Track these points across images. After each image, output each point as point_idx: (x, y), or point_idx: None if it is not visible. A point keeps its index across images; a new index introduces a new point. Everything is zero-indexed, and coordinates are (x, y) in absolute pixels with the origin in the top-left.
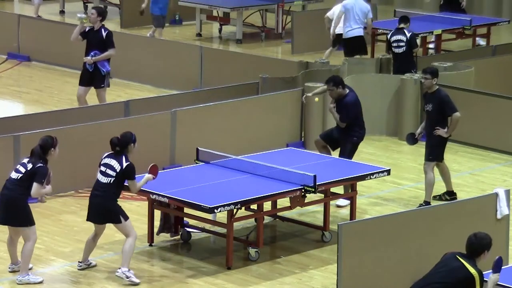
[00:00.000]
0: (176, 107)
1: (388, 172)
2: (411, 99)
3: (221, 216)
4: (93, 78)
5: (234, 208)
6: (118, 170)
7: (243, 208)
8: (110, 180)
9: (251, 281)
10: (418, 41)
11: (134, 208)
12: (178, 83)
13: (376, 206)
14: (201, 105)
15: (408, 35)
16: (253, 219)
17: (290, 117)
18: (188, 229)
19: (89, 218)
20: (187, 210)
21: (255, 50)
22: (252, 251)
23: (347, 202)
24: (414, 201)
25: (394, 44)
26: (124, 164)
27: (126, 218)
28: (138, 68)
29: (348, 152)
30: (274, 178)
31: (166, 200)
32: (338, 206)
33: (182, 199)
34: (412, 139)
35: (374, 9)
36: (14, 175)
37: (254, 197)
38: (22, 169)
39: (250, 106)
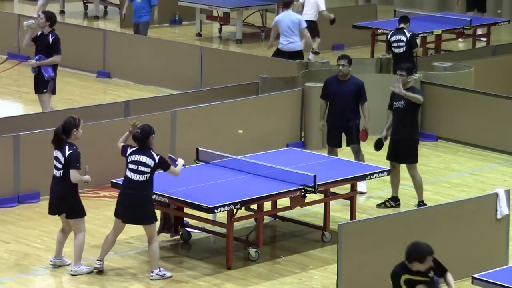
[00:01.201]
0: (176, 107)
1: (388, 172)
2: None
3: (221, 216)
4: (37, 83)
5: (234, 208)
6: (152, 165)
7: (243, 208)
8: (146, 176)
9: (251, 281)
10: (418, 41)
11: None
12: (178, 83)
13: (376, 206)
14: (201, 105)
15: (408, 35)
16: (253, 219)
17: (290, 117)
18: (188, 229)
19: (120, 217)
20: (187, 210)
21: (255, 50)
22: (252, 251)
23: (364, 188)
24: (414, 201)
25: (394, 44)
26: (156, 158)
27: (156, 219)
28: (138, 68)
29: (357, 138)
30: (274, 178)
31: (166, 200)
32: (360, 193)
33: (182, 199)
34: (379, 145)
35: (374, 9)
36: (57, 173)
37: (254, 197)
38: (59, 165)
39: (250, 106)
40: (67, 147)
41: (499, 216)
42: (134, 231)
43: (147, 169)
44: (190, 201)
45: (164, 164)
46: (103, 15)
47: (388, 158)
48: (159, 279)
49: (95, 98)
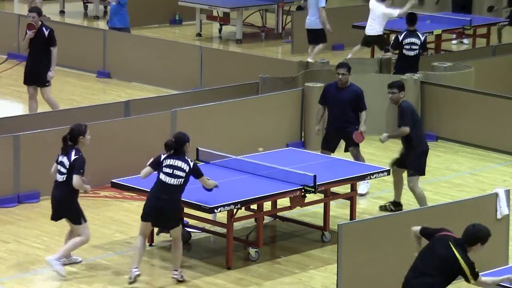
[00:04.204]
0: (176, 107)
1: (388, 172)
2: (411, 99)
3: (221, 216)
4: None
5: (234, 208)
6: (187, 170)
7: (243, 208)
8: (180, 181)
9: (251, 281)
10: None
11: (134, 208)
12: (178, 83)
13: (376, 206)
14: (201, 105)
15: (422, 38)
16: (253, 219)
17: (290, 117)
18: (188, 229)
19: (151, 219)
20: (187, 210)
21: (255, 50)
22: (252, 251)
23: (366, 188)
24: (414, 201)
25: (407, 47)
26: (191, 163)
27: (182, 220)
28: (138, 68)
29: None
30: (274, 178)
31: None
32: (360, 195)
33: (182, 199)
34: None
35: None
36: (59, 178)
37: (254, 197)
38: (64, 170)
39: (250, 106)
40: (73, 153)
41: (499, 216)
42: (134, 232)
43: (182, 174)
44: (190, 201)
45: (197, 172)
46: (103, 15)
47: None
48: (178, 280)
49: (95, 98)
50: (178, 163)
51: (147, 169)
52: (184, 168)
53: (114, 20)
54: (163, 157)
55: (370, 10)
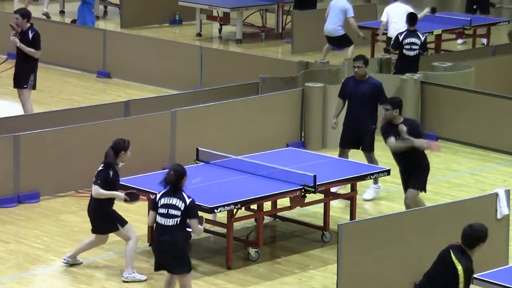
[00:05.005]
0: (176, 107)
1: (388, 172)
2: (411, 99)
3: (221, 216)
4: None
5: (234, 208)
6: (182, 208)
7: (243, 208)
8: (177, 220)
9: (251, 281)
10: None
11: (134, 208)
12: (178, 83)
13: (376, 206)
14: (201, 105)
15: (422, 38)
16: (253, 219)
17: (290, 117)
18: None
19: (160, 267)
20: None
21: (255, 50)
22: (252, 251)
23: (373, 194)
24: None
25: (407, 47)
26: (188, 200)
27: (191, 268)
28: (138, 68)
29: (369, 145)
30: (274, 178)
31: None
32: (365, 200)
33: None
34: None
35: (374, 9)
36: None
37: (254, 197)
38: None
39: (250, 106)
40: (101, 166)
41: (499, 216)
42: None
43: (177, 212)
44: None
45: (192, 211)
46: (103, 15)
47: None
48: None
49: (95, 98)
50: (173, 201)
51: (150, 214)
52: (179, 206)
53: (79, 20)
54: (158, 196)
55: (388, 15)
